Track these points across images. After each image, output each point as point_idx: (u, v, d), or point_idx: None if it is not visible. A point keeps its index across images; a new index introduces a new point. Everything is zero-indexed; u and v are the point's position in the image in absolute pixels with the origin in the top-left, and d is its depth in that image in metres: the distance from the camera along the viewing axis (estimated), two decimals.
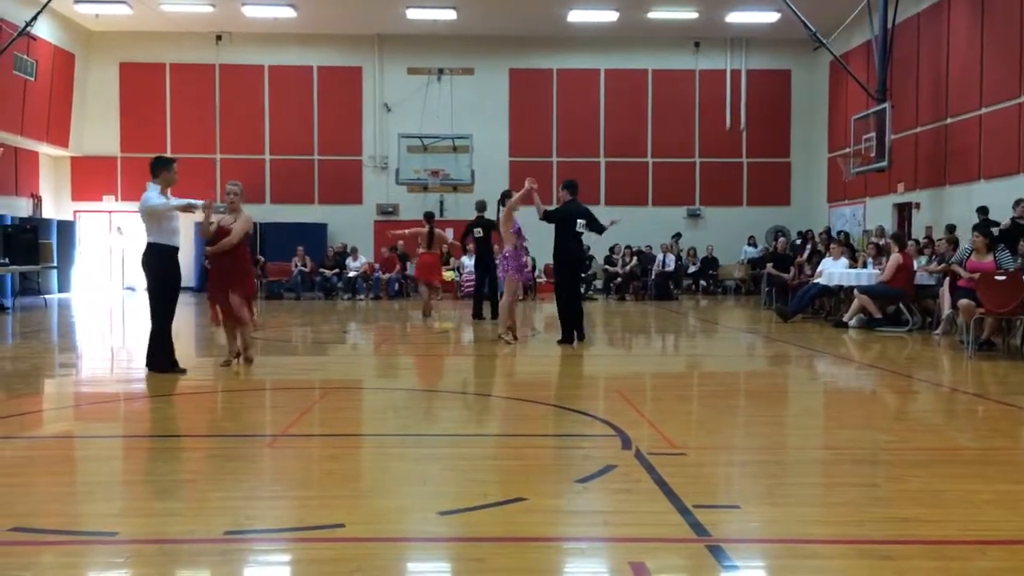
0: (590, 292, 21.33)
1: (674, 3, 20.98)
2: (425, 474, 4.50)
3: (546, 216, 10.53)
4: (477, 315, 14.16)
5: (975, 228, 17.55)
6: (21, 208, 20.98)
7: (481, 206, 14.35)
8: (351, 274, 21.27)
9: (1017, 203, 13.44)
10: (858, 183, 20.41)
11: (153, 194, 7.71)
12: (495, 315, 13.98)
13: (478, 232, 14.20)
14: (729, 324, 14.51)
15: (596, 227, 10.57)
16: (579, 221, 10.41)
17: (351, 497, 4.10)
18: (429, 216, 14.90)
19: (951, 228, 15.48)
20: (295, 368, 9.10)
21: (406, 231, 15.31)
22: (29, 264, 17.96)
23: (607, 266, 21.86)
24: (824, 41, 18.38)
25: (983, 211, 19.11)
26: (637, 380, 8.29)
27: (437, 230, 14.51)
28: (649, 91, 23.97)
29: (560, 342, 10.43)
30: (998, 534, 3.60)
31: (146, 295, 7.96)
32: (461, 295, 20.36)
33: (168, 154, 21.36)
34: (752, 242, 22.91)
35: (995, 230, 12.70)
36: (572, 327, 10.54)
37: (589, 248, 19.38)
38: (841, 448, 5.25)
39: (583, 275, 11.32)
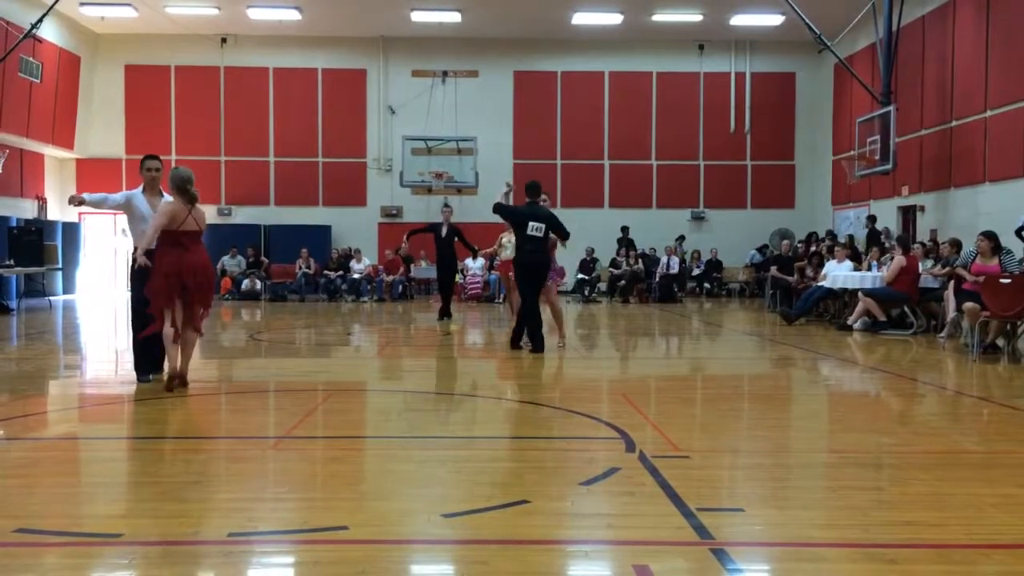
0: (594, 295, 21.33)
1: (678, 5, 20.98)
2: (429, 476, 4.50)
3: (497, 208, 10.13)
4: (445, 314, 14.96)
5: (868, 237, 18.00)
6: (26, 210, 21.05)
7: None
8: (355, 276, 21.29)
9: None
10: (862, 186, 20.39)
11: (135, 192, 7.64)
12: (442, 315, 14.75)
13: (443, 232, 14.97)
14: (733, 327, 14.50)
15: (560, 231, 10.04)
16: (532, 224, 9.88)
17: (355, 499, 4.10)
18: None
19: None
20: (299, 370, 9.10)
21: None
22: (34, 266, 18.01)
23: (612, 269, 21.85)
24: (828, 44, 18.37)
25: (871, 219, 19.56)
26: (641, 383, 8.28)
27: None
28: (653, 93, 23.96)
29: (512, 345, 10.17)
30: (1003, 538, 3.59)
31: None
32: (466, 297, 20.38)
33: (173, 156, 21.42)
34: (763, 250, 22.61)
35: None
36: (529, 333, 10.05)
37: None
38: (845, 451, 5.24)
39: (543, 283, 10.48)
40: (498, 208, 10.19)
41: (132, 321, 7.65)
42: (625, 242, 22.17)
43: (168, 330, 6.99)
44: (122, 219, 7.72)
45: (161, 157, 8.07)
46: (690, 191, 24.05)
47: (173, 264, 6.96)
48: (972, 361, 9.43)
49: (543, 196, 10.39)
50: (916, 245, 13.81)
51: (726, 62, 23.95)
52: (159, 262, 7.00)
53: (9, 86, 18.97)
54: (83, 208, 7.69)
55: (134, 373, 7.61)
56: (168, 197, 7.56)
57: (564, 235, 10.12)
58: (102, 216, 22.70)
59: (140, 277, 7.35)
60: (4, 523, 3.63)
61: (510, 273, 11.80)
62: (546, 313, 10.63)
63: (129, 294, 7.71)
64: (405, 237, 16.05)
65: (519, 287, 10.31)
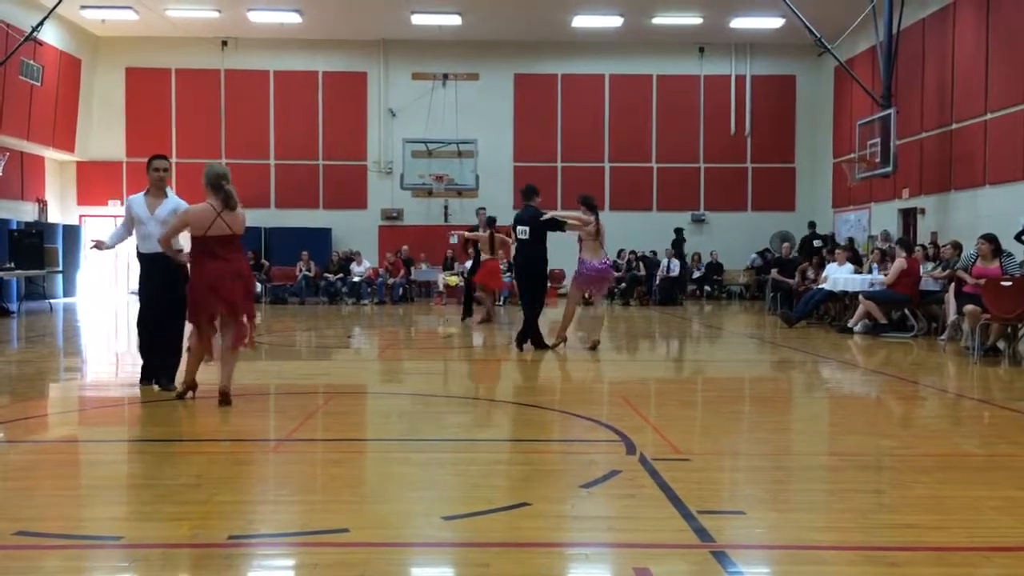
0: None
1: (678, 8, 20.99)
2: (429, 479, 4.50)
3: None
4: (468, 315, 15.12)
5: (803, 241, 18.31)
6: (27, 212, 21.05)
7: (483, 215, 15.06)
8: (355, 279, 21.29)
9: None
10: (863, 188, 20.38)
11: (133, 197, 7.49)
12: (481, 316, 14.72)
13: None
14: (734, 329, 14.49)
15: (544, 227, 10.22)
16: (518, 228, 10.19)
17: (355, 502, 4.10)
18: (492, 221, 14.71)
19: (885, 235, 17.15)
20: (299, 372, 9.10)
21: (467, 234, 15.34)
22: (34, 268, 18.00)
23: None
24: (829, 46, 18.37)
25: (812, 225, 20.34)
26: (642, 385, 8.28)
27: (499, 235, 14.44)
28: (654, 96, 23.97)
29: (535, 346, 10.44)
30: (1004, 541, 3.59)
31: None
32: None
33: (169, 155, 21.40)
34: (763, 254, 22.65)
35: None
36: (524, 333, 10.38)
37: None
38: (846, 454, 5.24)
39: (541, 285, 10.78)
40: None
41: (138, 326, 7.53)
42: (679, 244, 22.19)
43: (195, 343, 6.61)
44: (122, 220, 7.59)
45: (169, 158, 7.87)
46: (690, 193, 24.04)
47: (208, 275, 6.37)
48: (973, 364, 9.42)
49: (588, 198, 10.57)
50: (916, 248, 13.80)
51: (726, 65, 23.96)
52: (193, 273, 6.53)
53: (10, 89, 18.99)
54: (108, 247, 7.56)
55: (141, 378, 7.47)
56: (173, 196, 7.45)
57: (558, 228, 10.33)
58: (103, 219, 22.74)
59: (146, 283, 7.31)
60: (5, 526, 3.62)
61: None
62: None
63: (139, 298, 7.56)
64: (468, 248, 15.86)
65: (519, 289, 10.64)
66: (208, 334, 6.53)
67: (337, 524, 3.69)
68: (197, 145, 22.92)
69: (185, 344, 6.99)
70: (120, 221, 7.59)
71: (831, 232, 21.67)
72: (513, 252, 12.24)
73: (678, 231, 22.47)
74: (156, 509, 3.95)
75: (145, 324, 7.40)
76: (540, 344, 10.33)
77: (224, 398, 6.37)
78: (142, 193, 7.45)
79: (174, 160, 22.20)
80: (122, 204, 22.67)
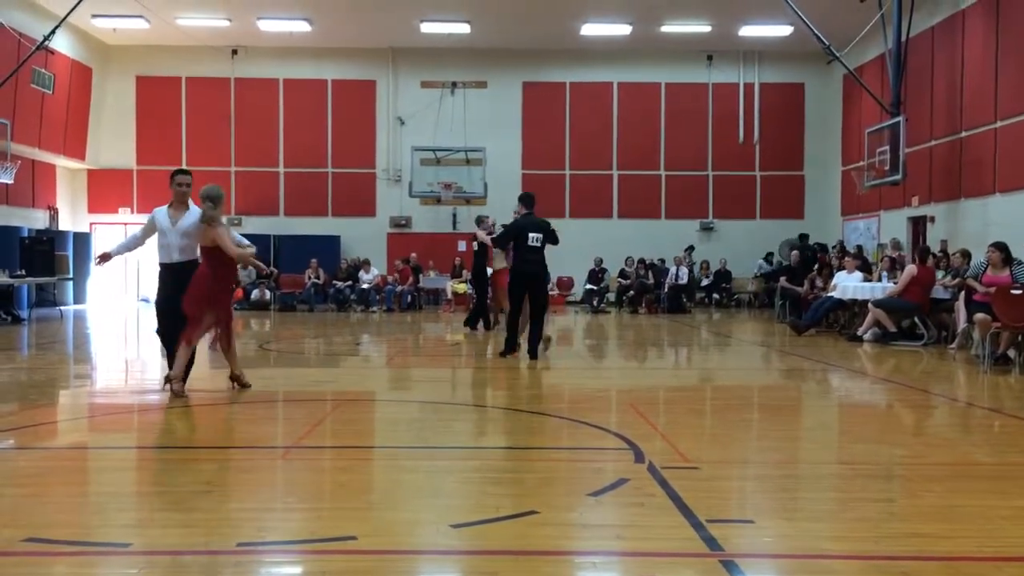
0: (602, 305, 21.31)
1: (687, 16, 21.01)
2: (437, 486, 4.50)
3: (497, 241, 10.99)
4: (469, 324, 14.75)
5: (798, 250, 18.29)
6: (38, 220, 21.17)
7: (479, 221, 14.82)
8: (364, 286, 21.32)
9: None
10: (872, 197, 20.33)
11: (158, 209, 7.56)
12: (487, 326, 14.48)
13: (474, 246, 14.67)
14: (742, 337, 14.45)
15: (552, 239, 10.44)
16: (531, 235, 10.27)
17: (364, 509, 4.10)
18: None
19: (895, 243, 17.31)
20: (308, 380, 9.11)
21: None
22: (45, 276, 18.10)
23: (620, 279, 21.83)
24: (838, 54, 18.35)
25: (804, 237, 20.26)
26: (650, 393, 8.26)
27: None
28: (662, 104, 23.97)
29: (502, 353, 10.48)
30: (1015, 550, 3.57)
31: None
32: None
33: (183, 167, 21.54)
34: (768, 259, 22.69)
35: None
36: (515, 340, 10.52)
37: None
38: (856, 463, 5.21)
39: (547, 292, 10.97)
40: (499, 240, 10.99)
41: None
42: (804, 250, 22.10)
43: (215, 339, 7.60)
44: (132, 230, 7.66)
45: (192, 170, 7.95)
46: (699, 201, 24.02)
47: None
48: (983, 372, 9.38)
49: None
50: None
51: (735, 73, 23.95)
52: (208, 276, 7.28)
53: (21, 97, 19.10)
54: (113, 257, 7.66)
55: (175, 383, 7.33)
56: (195, 207, 7.45)
57: (555, 241, 10.54)
58: (114, 227, 22.83)
59: (162, 293, 7.40)
60: (14, 532, 3.64)
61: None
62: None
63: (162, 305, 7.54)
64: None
65: (512, 295, 10.58)
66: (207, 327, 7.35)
67: (345, 531, 3.68)
68: (207, 153, 23.03)
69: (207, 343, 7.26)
70: (137, 228, 7.65)
71: (839, 240, 21.62)
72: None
73: (803, 236, 22.17)
74: (165, 516, 3.96)
75: (163, 334, 7.45)
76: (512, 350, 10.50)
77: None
78: (166, 206, 7.51)
79: (184, 168, 22.33)
80: (131, 212, 22.89)
